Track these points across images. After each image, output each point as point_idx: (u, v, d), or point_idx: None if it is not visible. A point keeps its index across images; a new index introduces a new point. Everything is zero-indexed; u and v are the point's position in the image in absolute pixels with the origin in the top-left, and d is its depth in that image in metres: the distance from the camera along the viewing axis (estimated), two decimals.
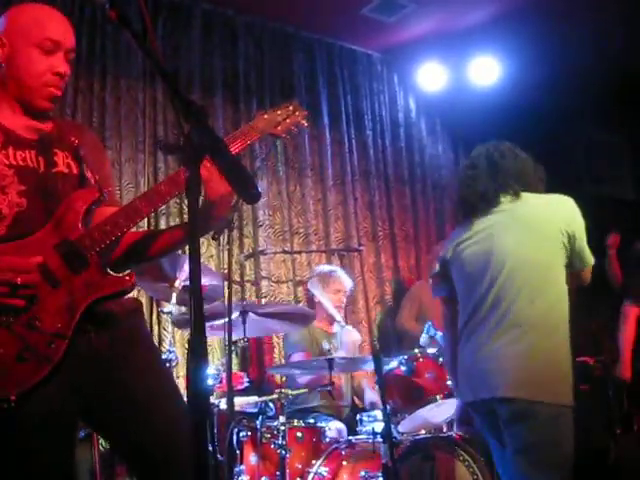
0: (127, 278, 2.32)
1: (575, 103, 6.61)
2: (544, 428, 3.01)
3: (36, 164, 2.36)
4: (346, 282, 5.49)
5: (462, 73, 7.10)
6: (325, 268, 5.67)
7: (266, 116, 2.54)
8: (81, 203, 2.33)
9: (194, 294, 1.61)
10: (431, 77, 7.19)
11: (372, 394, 5.23)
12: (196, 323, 1.59)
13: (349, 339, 5.46)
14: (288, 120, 2.56)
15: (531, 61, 6.61)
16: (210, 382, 4.41)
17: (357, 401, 5.57)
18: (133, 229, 2.37)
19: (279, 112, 2.56)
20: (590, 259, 3.21)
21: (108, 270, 2.30)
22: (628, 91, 6.67)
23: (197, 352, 1.58)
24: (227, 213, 2.34)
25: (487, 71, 7.01)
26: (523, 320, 3.07)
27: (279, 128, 2.54)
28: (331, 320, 5.39)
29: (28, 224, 2.27)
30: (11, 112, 2.40)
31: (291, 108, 2.59)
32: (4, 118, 2.39)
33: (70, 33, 2.42)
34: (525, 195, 3.23)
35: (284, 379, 5.31)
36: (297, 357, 5.20)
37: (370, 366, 4.09)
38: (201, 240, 5.50)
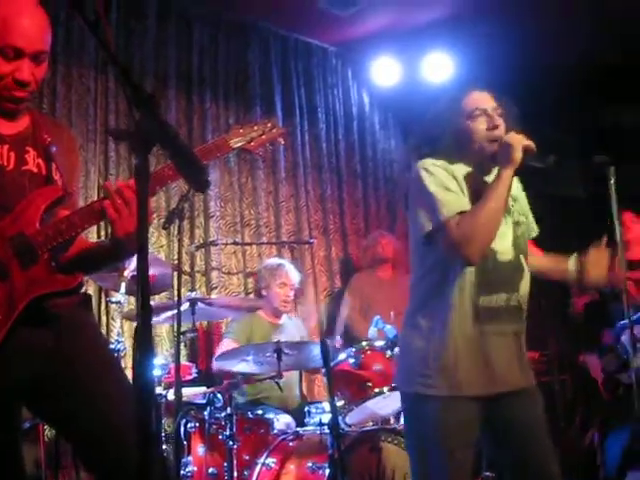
0: (73, 278, 2.32)
1: (528, 102, 6.66)
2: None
3: (5, 161, 2.34)
4: (293, 276, 5.50)
5: (416, 69, 7.14)
6: (274, 261, 5.69)
7: (242, 130, 2.52)
8: (42, 200, 2.33)
9: (142, 285, 1.60)
10: (385, 72, 7.21)
11: None
12: (143, 313, 1.59)
13: (297, 331, 5.50)
14: (264, 136, 2.55)
15: (484, 59, 6.65)
16: (158, 372, 4.40)
17: (305, 392, 5.60)
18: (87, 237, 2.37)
19: (256, 127, 2.54)
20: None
21: (56, 268, 2.30)
22: (581, 91, 6.76)
23: (143, 343, 1.58)
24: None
25: (440, 68, 7.04)
26: None
27: (253, 144, 2.52)
28: (278, 312, 5.43)
29: None
30: None
31: (269, 125, 2.58)
32: None
33: (40, 35, 2.35)
34: None
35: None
36: (225, 344, 5.21)
37: (318, 358, 4.11)
38: (151, 230, 5.48)
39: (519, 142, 2.66)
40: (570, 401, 6.36)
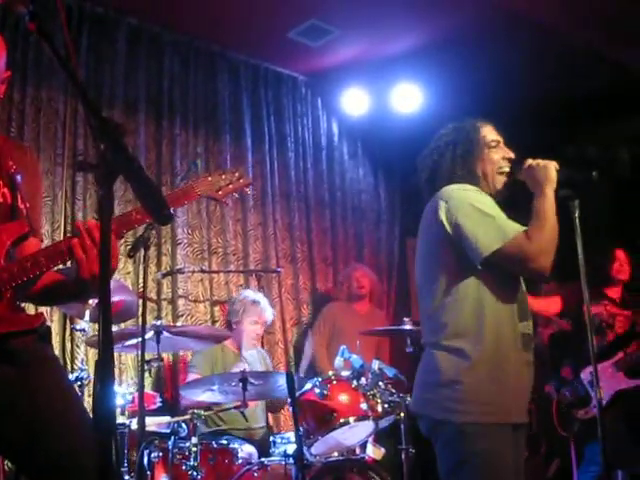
0: (36, 318, 2.30)
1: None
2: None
3: None
4: (267, 314, 5.47)
5: (384, 99, 7.20)
6: (249, 296, 5.59)
7: (210, 178, 2.56)
8: (8, 236, 2.31)
9: (103, 315, 1.59)
10: (354, 102, 7.26)
11: None
12: (104, 343, 1.58)
13: (263, 362, 5.46)
14: (231, 186, 2.59)
15: (453, 91, 6.73)
16: (122, 401, 4.36)
17: (271, 422, 5.55)
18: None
19: (224, 176, 2.59)
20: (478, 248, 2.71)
21: (20, 306, 2.28)
22: (547, 124, 6.85)
23: (104, 374, 1.56)
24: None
25: (409, 99, 7.11)
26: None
27: (220, 192, 2.57)
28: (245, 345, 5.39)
29: None
30: None
31: (237, 175, 2.63)
32: None
33: None
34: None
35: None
36: (191, 378, 5.16)
37: (284, 388, 4.08)
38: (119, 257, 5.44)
39: (550, 163, 2.83)
40: (535, 430, 6.37)
